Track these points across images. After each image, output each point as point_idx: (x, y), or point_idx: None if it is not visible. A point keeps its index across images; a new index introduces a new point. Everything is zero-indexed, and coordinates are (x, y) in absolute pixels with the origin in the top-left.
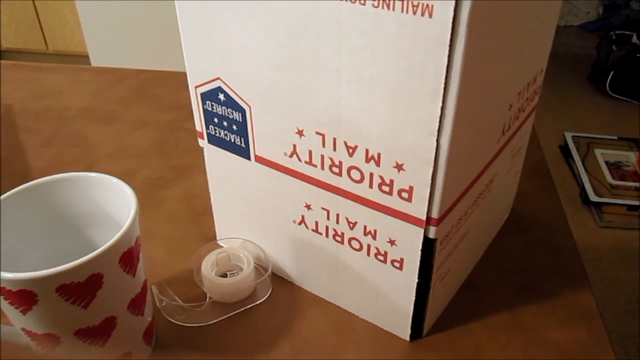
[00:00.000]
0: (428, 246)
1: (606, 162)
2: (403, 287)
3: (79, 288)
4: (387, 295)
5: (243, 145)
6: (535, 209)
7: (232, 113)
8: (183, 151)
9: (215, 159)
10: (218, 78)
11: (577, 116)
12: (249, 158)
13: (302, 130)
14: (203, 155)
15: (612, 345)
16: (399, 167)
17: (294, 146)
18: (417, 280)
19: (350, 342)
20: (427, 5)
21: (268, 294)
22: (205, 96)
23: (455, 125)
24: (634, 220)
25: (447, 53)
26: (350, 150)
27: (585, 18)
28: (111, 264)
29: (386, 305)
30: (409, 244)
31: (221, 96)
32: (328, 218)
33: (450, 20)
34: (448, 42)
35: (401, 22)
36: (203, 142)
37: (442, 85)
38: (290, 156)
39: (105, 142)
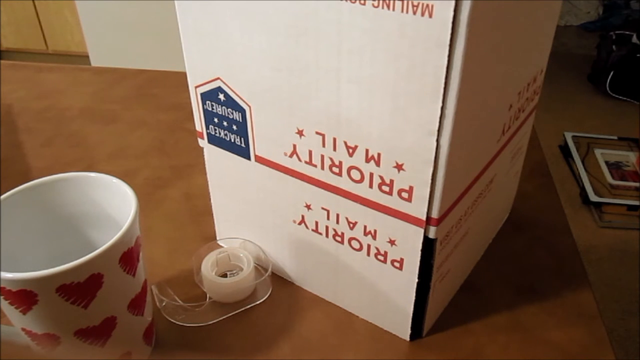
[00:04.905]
0: (428, 246)
1: (606, 162)
2: (403, 287)
3: (79, 288)
4: (387, 295)
5: (243, 145)
6: (535, 209)
7: (232, 113)
8: (183, 151)
9: (215, 159)
10: (218, 78)
11: (577, 116)
12: (249, 158)
13: (302, 130)
14: (203, 155)
15: (612, 345)
16: (399, 167)
17: (294, 146)
18: (417, 280)
19: (350, 342)
20: (427, 5)
21: (268, 294)
22: (205, 96)
23: (455, 125)
24: (634, 220)
25: (447, 53)
26: (350, 150)
27: (585, 18)
28: (111, 264)
29: (386, 305)
30: (409, 244)
31: (221, 96)
32: (328, 218)
33: (450, 20)
34: (448, 42)
35: (401, 22)
36: (203, 142)
37: (442, 85)
38: (290, 156)
39: (105, 142)
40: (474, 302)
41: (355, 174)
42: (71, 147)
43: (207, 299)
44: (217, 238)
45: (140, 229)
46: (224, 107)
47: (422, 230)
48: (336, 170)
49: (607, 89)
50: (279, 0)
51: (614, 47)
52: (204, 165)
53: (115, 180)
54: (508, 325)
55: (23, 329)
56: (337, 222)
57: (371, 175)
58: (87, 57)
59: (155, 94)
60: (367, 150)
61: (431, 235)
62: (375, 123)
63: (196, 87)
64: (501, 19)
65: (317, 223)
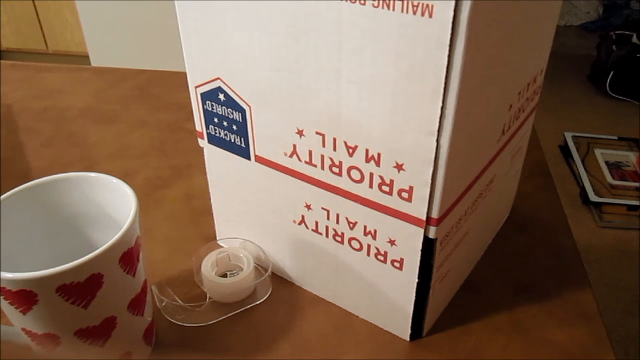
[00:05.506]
0: (428, 246)
1: (606, 162)
2: (403, 287)
3: (79, 288)
4: (387, 295)
5: (243, 145)
6: (535, 209)
7: (232, 113)
8: (183, 151)
9: (215, 159)
10: (218, 78)
11: (577, 116)
12: (249, 158)
13: (302, 130)
14: (203, 155)
15: (612, 345)
16: (399, 167)
17: (294, 146)
18: (417, 280)
19: (350, 342)
20: (427, 5)
21: (268, 294)
22: (205, 96)
23: (455, 125)
24: (634, 220)
25: (447, 53)
26: (350, 150)
27: (585, 18)
28: (111, 264)
29: (386, 305)
30: (409, 244)
31: (221, 96)
32: (328, 218)
33: (450, 20)
34: (448, 42)
35: (401, 22)
36: (203, 142)
37: (442, 85)
38: (290, 156)
39: (105, 142)
40: (474, 302)
41: (355, 174)
42: (71, 147)
43: (207, 299)
44: (217, 238)
45: (140, 229)
46: (224, 107)
47: (422, 230)
48: (336, 170)
49: (607, 89)
50: (279, 0)
51: (614, 47)
52: (204, 165)
53: (115, 180)
54: (508, 325)
55: (23, 329)
56: (337, 222)
57: (371, 175)
58: (87, 57)
59: (155, 94)
60: (367, 150)
61: (431, 235)
62: (375, 123)
63: (196, 87)
64: (501, 19)
65: (317, 223)
